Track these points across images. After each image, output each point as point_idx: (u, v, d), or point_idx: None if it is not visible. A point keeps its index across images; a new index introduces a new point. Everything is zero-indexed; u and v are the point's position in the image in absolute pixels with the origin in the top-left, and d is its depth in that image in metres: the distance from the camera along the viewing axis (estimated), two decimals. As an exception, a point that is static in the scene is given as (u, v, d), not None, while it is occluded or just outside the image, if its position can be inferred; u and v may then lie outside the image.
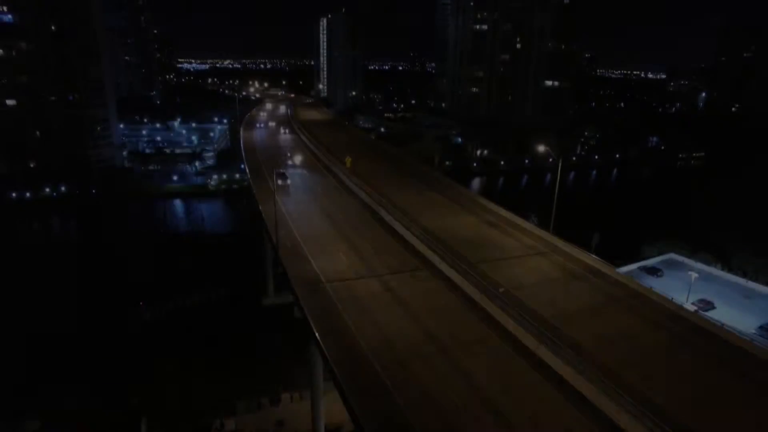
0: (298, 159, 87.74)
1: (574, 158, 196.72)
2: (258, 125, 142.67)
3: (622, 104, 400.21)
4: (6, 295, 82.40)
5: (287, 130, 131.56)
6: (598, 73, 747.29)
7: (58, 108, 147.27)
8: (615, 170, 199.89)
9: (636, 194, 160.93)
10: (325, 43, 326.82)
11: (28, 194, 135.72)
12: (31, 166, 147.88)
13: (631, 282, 48.40)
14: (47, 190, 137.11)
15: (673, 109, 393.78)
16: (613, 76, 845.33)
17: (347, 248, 53.03)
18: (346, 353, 34.49)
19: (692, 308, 66.17)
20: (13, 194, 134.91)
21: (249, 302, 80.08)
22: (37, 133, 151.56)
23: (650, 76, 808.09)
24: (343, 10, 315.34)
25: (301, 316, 40.21)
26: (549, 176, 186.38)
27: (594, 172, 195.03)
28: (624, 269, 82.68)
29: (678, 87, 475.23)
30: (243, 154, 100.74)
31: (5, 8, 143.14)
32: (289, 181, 74.42)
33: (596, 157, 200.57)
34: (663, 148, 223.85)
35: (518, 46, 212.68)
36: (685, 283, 73.64)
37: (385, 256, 51.41)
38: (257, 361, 57.94)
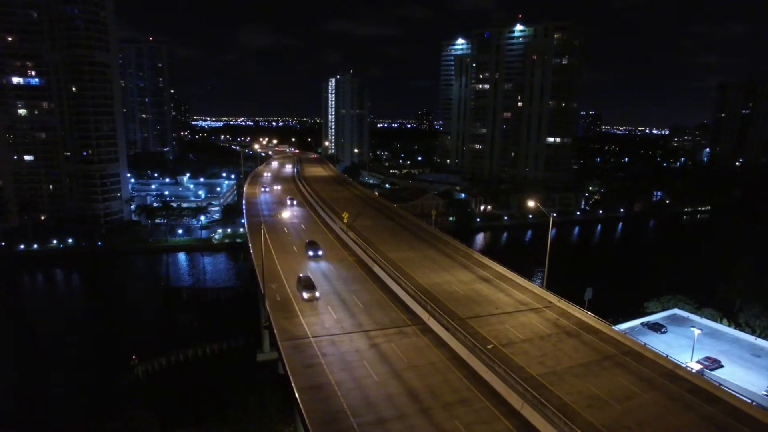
0: (297, 214, 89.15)
1: (578, 213, 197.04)
2: (262, 181, 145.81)
3: (626, 159, 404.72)
4: (3, 348, 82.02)
5: (290, 186, 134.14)
6: (603, 130, 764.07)
7: (72, 163, 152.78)
8: (620, 225, 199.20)
9: (640, 249, 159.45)
10: (332, 102, 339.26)
11: (35, 246, 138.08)
12: (42, 218, 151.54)
13: (626, 339, 47.24)
14: (54, 242, 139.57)
15: (678, 163, 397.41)
16: (618, 132, 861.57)
17: (337, 303, 52.73)
18: (324, 410, 33.60)
19: (697, 367, 63.90)
20: (22, 246, 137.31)
21: (244, 357, 78.68)
22: (51, 187, 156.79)
23: (654, 131, 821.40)
24: (351, 71, 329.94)
25: (284, 372, 39.52)
26: (554, 231, 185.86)
27: (599, 227, 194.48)
28: (625, 325, 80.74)
29: (681, 142, 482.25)
30: (244, 209, 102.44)
31: (33, 72, 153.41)
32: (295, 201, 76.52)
33: (600, 212, 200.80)
34: (668, 202, 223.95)
35: (519, 104, 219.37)
36: (690, 340, 71.36)
37: (375, 312, 50.97)
38: (244, 417, 56.25)
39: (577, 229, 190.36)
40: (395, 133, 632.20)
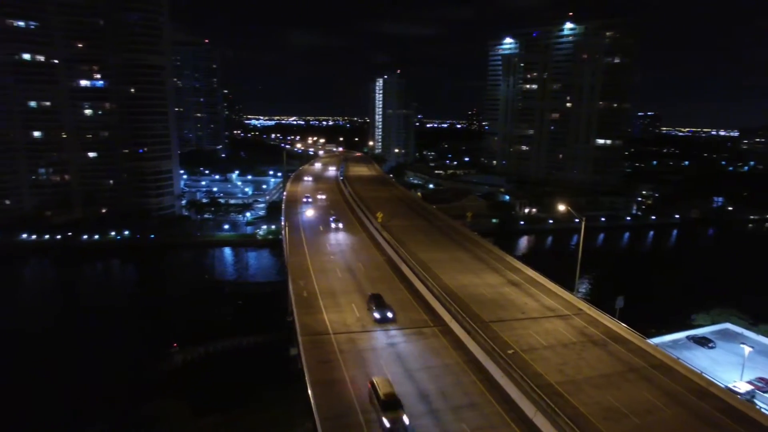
0: (337, 213, 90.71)
1: (628, 218, 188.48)
2: (305, 180, 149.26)
3: (686, 163, 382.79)
4: (59, 331, 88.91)
5: (332, 186, 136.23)
6: (663, 131, 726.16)
7: (129, 160, 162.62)
8: (674, 232, 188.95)
9: (694, 258, 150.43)
10: (379, 102, 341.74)
11: (96, 237, 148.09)
12: (103, 212, 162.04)
13: (657, 351, 45.34)
14: (112, 234, 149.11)
15: (746, 168, 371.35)
16: (680, 133, 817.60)
17: (360, 301, 53.56)
18: (334, 404, 34.47)
19: (747, 387, 59.96)
20: (84, 237, 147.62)
21: (278, 351, 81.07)
22: (110, 182, 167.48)
23: (722, 133, 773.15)
24: (398, 71, 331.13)
25: (300, 367, 40.77)
26: (602, 236, 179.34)
27: (650, 234, 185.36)
28: (668, 338, 76.87)
29: (752, 145, 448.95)
30: (283, 207, 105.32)
31: (98, 75, 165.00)
32: (341, 224, 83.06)
33: (653, 217, 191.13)
34: (730, 208, 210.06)
35: (567, 104, 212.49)
36: (742, 358, 66.97)
37: (397, 312, 51.32)
38: (269, 408, 58.24)
39: (626, 234, 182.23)
40: (444, 134, 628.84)
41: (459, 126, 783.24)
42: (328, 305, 52.27)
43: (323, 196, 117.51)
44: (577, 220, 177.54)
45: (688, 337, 76.92)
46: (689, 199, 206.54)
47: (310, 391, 35.35)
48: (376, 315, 48.19)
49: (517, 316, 51.97)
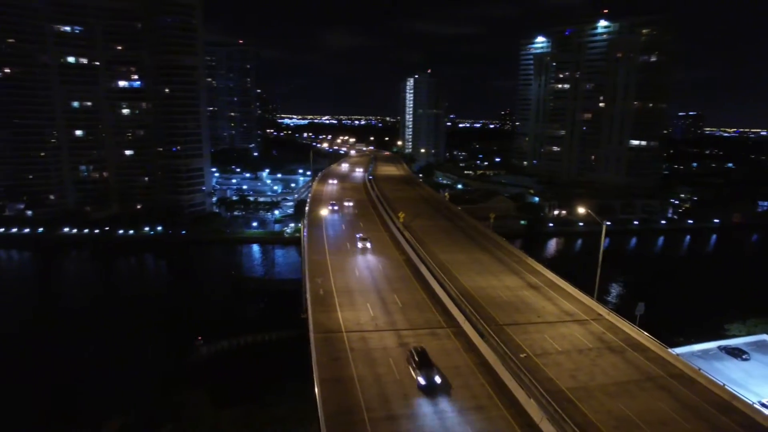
0: (360, 212, 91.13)
1: (662, 222, 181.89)
2: (331, 180, 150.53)
3: (731, 164, 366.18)
4: (92, 320, 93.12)
5: (359, 186, 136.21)
6: (706, 132, 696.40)
7: (163, 157, 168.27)
8: (713, 237, 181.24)
9: (734, 264, 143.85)
10: (410, 102, 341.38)
11: (131, 231, 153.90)
12: (138, 207, 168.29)
13: (677, 361, 43.81)
14: (146, 229, 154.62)
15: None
16: (725, 134, 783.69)
17: (376, 301, 53.89)
18: (340, 401, 34.89)
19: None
20: (120, 231, 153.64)
21: (300, 346, 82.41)
22: (146, 179, 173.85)
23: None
24: (428, 71, 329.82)
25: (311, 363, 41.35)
26: (635, 240, 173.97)
27: (687, 238, 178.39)
28: (698, 347, 73.87)
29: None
30: (307, 206, 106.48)
31: (137, 76, 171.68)
32: (368, 244, 73.30)
33: (690, 221, 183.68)
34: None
35: (600, 104, 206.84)
36: (776, 371, 63.87)
37: (412, 312, 51.50)
38: (284, 402, 59.33)
39: (660, 239, 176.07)
40: (477, 134, 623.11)
41: (492, 126, 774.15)
42: (343, 303, 52.76)
43: (350, 203, 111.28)
44: (608, 223, 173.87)
45: (719, 348, 73.76)
46: (731, 202, 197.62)
47: (317, 387, 35.88)
48: (421, 381, 36.72)
49: (533, 320, 51.20)
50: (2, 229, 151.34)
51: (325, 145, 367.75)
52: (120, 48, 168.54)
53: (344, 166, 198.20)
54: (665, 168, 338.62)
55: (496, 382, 38.53)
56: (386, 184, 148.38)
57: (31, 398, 67.70)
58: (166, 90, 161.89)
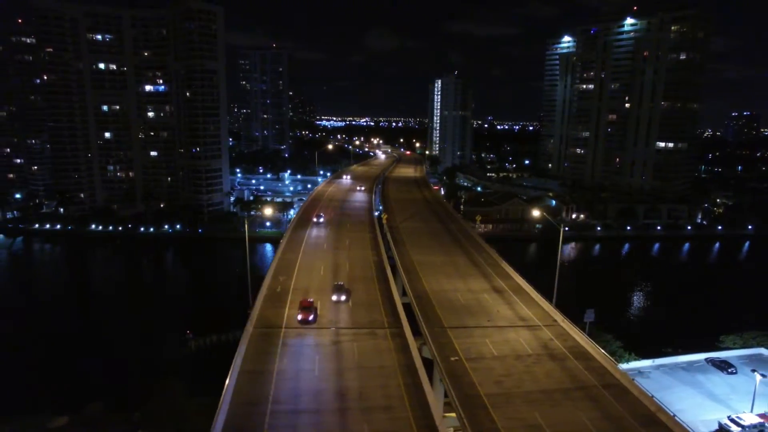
0: (352, 214, 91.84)
1: (689, 228, 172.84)
2: (344, 179, 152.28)
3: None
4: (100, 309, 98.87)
5: (364, 187, 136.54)
6: (763, 133, 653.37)
7: (185, 158, 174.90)
8: (746, 244, 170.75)
9: (756, 275, 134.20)
10: (438, 104, 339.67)
11: (152, 229, 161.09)
12: (161, 206, 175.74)
13: (616, 371, 42.34)
14: (166, 227, 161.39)
15: None
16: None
17: (328, 299, 54.54)
18: (252, 392, 35.96)
19: (754, 420, 54.17)
20: (142, 229, 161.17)
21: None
22: (168, 179, 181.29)
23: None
24: (455, 72, 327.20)
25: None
26: (658, 245, 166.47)
27: (716, 246, 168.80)
28: (684, 358, 71.02)
29: None
30: (294, 208, 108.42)
31: (161, 81, 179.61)
32: (343, 297, 54.19)
33: (719, 227, 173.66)
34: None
35: (627, 105, 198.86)
36: (765, 387, 60.20)
37: (359, 311, 51.96)
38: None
39: (685, 246, 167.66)
40: (511, 136, 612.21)
41: (531, 128, 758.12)
42: (294, 301, 53.70)
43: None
44: (629, 228, 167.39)
45: (707, 360, 70.21)
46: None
47: (229, 378, 36.95)
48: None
49: (482, 324, 50.68)
50: (39, 225, 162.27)
51: (356, 146, 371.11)
52: (147, 54, 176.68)
53: (361, 168, 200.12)
54: (704, 171, 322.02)
55: (414, 384, 38.40)
56: (394, 185, 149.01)
57: (23, 377, 72.44)
58: (188, 93, 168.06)
